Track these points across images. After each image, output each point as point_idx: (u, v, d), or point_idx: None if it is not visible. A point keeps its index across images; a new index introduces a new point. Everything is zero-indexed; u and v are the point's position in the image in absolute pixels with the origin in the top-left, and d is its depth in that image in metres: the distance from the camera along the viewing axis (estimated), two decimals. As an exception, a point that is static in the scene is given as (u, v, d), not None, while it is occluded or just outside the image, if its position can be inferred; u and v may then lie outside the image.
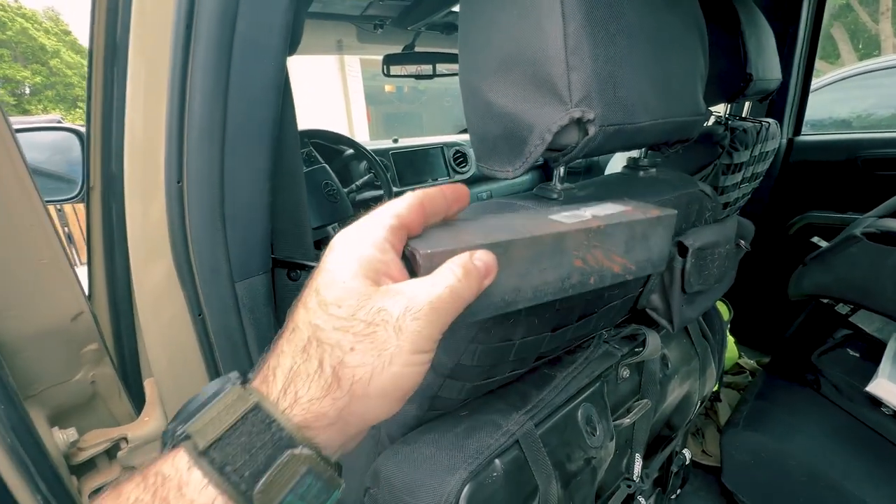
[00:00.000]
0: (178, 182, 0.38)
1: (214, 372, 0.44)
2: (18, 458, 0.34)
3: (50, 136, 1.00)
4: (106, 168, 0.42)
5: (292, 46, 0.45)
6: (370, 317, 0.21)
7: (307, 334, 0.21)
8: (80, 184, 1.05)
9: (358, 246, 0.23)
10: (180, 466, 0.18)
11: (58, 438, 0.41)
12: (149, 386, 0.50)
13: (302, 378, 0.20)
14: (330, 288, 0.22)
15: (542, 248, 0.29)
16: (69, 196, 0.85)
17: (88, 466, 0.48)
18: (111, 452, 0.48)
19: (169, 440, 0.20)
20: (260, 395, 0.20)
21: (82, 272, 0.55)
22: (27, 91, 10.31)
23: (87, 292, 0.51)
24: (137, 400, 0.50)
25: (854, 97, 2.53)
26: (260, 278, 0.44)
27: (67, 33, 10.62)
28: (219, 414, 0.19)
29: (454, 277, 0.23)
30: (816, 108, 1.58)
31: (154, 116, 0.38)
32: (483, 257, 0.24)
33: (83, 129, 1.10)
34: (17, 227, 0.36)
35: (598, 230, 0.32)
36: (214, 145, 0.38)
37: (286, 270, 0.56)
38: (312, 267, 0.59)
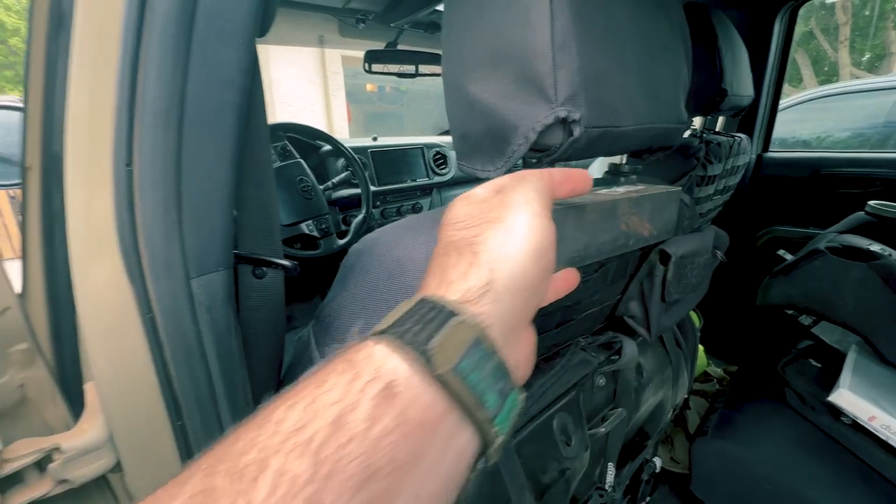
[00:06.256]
0: (128, 165, 0.35)
1: (164, 374, 0.40)
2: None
3: (-4, 116, 0.92)
4: (47, 147, 0.38)
5: (264, 27, 0.42)
6: (490, 208, 0.25)
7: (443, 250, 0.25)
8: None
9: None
10: (361, 346, 0.20)
11: (-24, 449, 0.36)
12: (89, 390, 0.45)
13: (450, 267, 0.23)
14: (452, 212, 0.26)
15: (604, 212, 0.35)
16: (10, 182, 0.78)
17: (15, 480, 0.43)
18: (42, 464, 0.43)
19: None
20: (423, 294, 0.22)
21: (15, 267, 0.50)
22: (-19, 70, 9.68)
23: (19, 287, 0.46)
24: (78, 407, 0.46)
25: (814, 119, 2.70)
26: (219, 275, 0.40)
27: (29, 11, 10.02)
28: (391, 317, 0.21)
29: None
30: (780, 127, 1.66)
31: (102, 91, 0.34)
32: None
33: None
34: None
35: (636, 200, 0.39)
36: (171, 125, 0.34)
37: (251, 267, 0.53)
38: (279, 265, 0.55)
